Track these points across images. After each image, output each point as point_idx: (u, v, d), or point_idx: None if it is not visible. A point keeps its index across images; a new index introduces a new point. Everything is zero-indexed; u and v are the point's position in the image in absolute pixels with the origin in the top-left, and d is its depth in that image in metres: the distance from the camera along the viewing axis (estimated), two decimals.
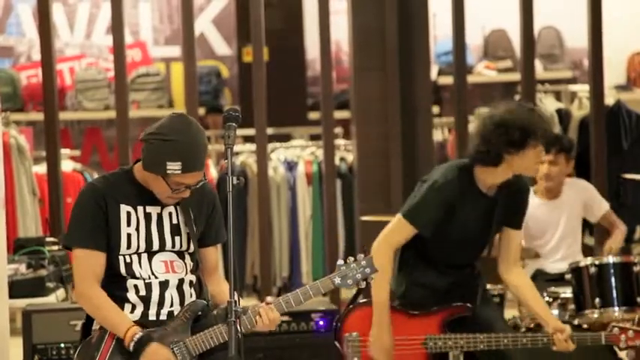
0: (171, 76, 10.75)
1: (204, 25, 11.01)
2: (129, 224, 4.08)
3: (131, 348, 3.94)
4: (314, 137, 9.37)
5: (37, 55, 9.28)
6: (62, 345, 5.30)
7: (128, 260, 4.09)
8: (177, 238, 4.12)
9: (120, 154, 7.74)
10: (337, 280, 4.12)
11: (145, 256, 4.11)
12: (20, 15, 11.15)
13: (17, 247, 6.65)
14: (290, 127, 10.00)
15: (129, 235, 4.08)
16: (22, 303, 5.69)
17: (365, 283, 4.14)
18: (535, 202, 6.43)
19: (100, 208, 4.07)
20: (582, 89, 8.81)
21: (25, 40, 11.11)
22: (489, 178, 4.92)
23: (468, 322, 5.10)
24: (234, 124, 3.94)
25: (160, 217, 4.12)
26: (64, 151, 8.43)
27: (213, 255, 4.29)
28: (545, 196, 6.50)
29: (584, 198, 6.56)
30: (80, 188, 8.82)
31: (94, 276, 4.06)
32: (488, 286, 6.03)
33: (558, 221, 6.48)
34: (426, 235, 4.93)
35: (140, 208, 4.10)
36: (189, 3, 7.69)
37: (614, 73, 9.82)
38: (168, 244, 4.11)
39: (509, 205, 5.04)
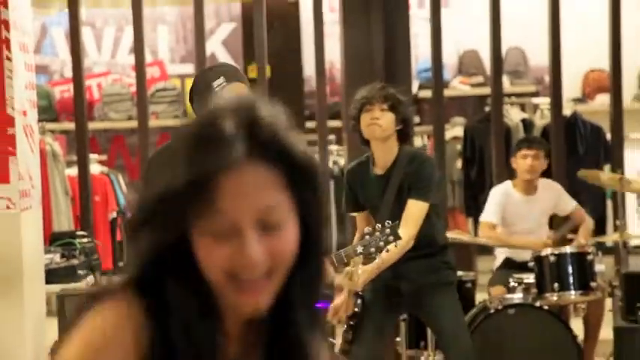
0: (186, 91, 10.75)
1: (214, 45, 11.01)
2: None
3: None
4: (310, 143, 9.37)
5: (68, 73, 9.28)
6: None
7: None
8: None
9: (141, 158, 7.75)
10: (359, 249, 4.10)
11: None
12: (54, 37, 11.15)
13: (52, 239, 6.66)
14: None
15: None
16: (56, 288, 5.71)
17: (388, 248, 4.08)
18: (514, 195, 6.48)
19: None
20: (544, 102, 8.82)
21: (59, 59, 11.11)
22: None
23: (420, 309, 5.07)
24: None
25: None
26: (93, 156, 8.44)
27: None
28: (523, 192, 6.52)
29: (556, 196, 6.59)
30: (106, 188, 8.85)
31: None
32: (460, 273, 6.05)
33: (529, 215, 6.50)
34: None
35: None
36: (202, 26, 7.71)
37: (571, 87, 9.83)
38: None
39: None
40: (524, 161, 6.43)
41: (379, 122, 4.80)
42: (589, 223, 6.64)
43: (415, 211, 4.73)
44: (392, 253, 4.54)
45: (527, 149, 6.45)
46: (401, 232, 4.55)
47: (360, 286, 4.54)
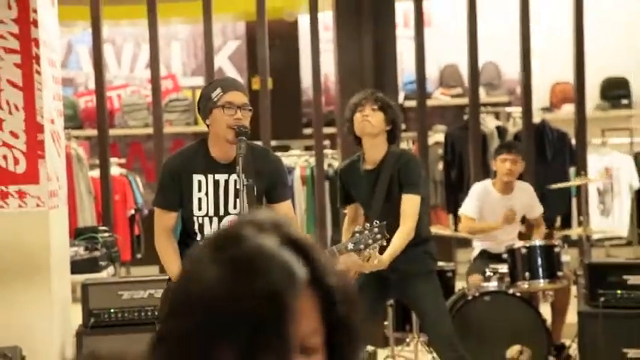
0: (197, 101, 10.78)
1: (222, 60, 11.03)
2: (200, 190, 4.06)
3: None
4: (307, 148, 9.40)
5: (91, 85, 9.30)
6: (112, 310, 5.34)
7: (200, 222, 4.08)
8: (238, 201, 4.03)
9: (156, 161, 7.77)
10: (350, 246, 4.13)
11: (215, 220, 4.08)
12: (79, 53, 11.16)
13: (77, 234, 6.67)
14: (289, 140, 10.02)
15: (199, 199, 4.06)
16: (80, 278, 5.73)
17: (375, 246, 4.10)
18: (492, 193, 6.50)
19: (172, 180, 4.10)
20: (516, 110, 8.84)
21: (83, 73, 11.12)
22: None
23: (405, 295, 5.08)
24: (244, 137, 3.98)
25: (226, 183, 4.08)
26: (113, 160, 8.46)
27: (282, 210, 4.12)
28: (501, 191, 6.52)
29: (529, 198, 6.57)
30: (125, 188, 8.88)
31: (163, 228, 4.13)
32: (442, 264, 6.08)
33: (502, 212, 6.51)
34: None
35: (210, 177, 4.06)
36: (210, 43, 7.73)
37: (540, 98, 9.87)
38: (231, 208, 4.07)
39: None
40: (503, 165, 6.43)
41: (369, 119, 4.84)
42: (543, 228, 6.67)
43: (411, 204, 4.76)
44: (399, 243, 4.62)
45: (507, 154, 6.45)
46: (402, 225, 4.63)
47: (386, 264, 4.57)
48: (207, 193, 4.07)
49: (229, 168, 4.06)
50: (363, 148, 4.94)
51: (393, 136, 4.95)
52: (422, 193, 4.88)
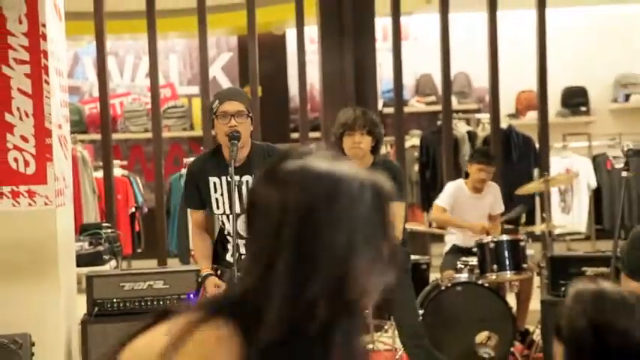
0: (192, 108, 10.73)
1: (215, 71, 10.99)
2: (215, 191, 4.07)
3: (199, 279, 4.02)
4: None
5: (96, 93, 9.26)
6: (114, 300, 5.29)
7: (222, 220, 4.11)
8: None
9: (155, 163, 7.73)
10: None
11: (231, 217, 4.04)
12: (84, 64, 11.11)
13: (82, 230, 6.63)
14: (276, 144, 9.95)
15: (217, 199, 4.06)
16: (85, 270, 5.68)
17: None
18: (465, 191, 6.50)
19: (192, 183, 4.13)
20: (484, 117, 8.85)
21: (88, 82, 11.07)
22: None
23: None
24: (236, 141, 3.95)
25: (239, 183, 4.06)
26: (115, 162, 8.40)
27: None
28: (473, 190, 6.52)
29: (496, 197, 6.59)
30: (127, 188, 8.80)
31: (196, 224, 4.17)
32: (417, 257, 6.06)
33: (475, 210, 6.51)
34: None
35: (223, 178, 4.06)
36: (205, 55, 7.69)
37: (506, 105, 9.87)
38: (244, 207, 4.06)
39: None
40: (479, 174, 6.42)
41: (361, 146, 4.83)
42: (498, 223, 6.65)
43: (398, 211, 4.73)
44: None
45: (486, 165, 6.42)
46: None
47: None
48: (222, 194, 4.07)
49: (240, 169, 4.06)
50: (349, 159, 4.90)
51: (376, 149, 4.94)
52: (405, 199, 4.86)
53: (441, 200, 6.50)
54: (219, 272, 4.06)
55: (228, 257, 4.05)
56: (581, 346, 1.81)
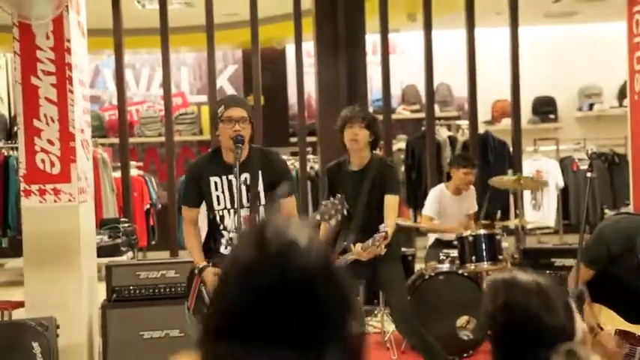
0: (201, 115, 10.75)
1: (222, 81, 11.01)
2: (217, 189, 4.04)
3: (196, 271, 3.98)
4: (293, 154, 9.39)
5: (115, 101, 9.27)
6: (131, 287, 5.30)
7: (221, 214, 4.05)
8: (249, 196, 4.00)
9: (168, 165, 7.75)
10: (317, 216, 4.08)
11: (232, 212, 4.04)
12: (105, 75, 11.12)
13: (102, 224, 6.66)
14: (277, 147, 9.98)
15: (217, 196, 4.03)
16: (104, 260, 5.71)
17: (339, 216, 4.04)
18: (446, 194, 6.49)
19: (192, 183, 4.09)
20: (464, 123, 8.87)
21: (108, 91, 11.09)
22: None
23: (373, 277, 4.92)
24: (240, 144, 3.95)
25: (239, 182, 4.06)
26: (132, 163, 8.43)
27: (286, 206, 4.09)
28: (454, 193, 6.52)
29: (472, 198, 6.60)
30: (142, 187, 8.80)
31: (190, 221, 4.11)
32: (404, 249, 6.06)
33: (456, 210, 6.51)
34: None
35: (224, 178, 4.04)
36: (213, 67, 7.71)
37: (484, 113, 9.90)
38: (245, 202, 4.02)
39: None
40: (466, 177, 6.40)
41: (358, 138, 4.81)
42: (472, 220, 6.64)
43: (394, 203, 4.72)
44: (390, 232, 4.53)
45: (470, 168, 6.41)
46: (388, 219, 4.59)
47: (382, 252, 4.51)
48: (223, 191, 4.06)
49: (239, 168, 4.06)
50: (349, 153, 4.90)
51: (374, 144, 4.93)
52: (400, 194, 4.86)
53: (428, 209, 6.48)
54: (211, 264, 4.05)
55: (222, 249, 4.05)
56: (496, 329, 1.75)
